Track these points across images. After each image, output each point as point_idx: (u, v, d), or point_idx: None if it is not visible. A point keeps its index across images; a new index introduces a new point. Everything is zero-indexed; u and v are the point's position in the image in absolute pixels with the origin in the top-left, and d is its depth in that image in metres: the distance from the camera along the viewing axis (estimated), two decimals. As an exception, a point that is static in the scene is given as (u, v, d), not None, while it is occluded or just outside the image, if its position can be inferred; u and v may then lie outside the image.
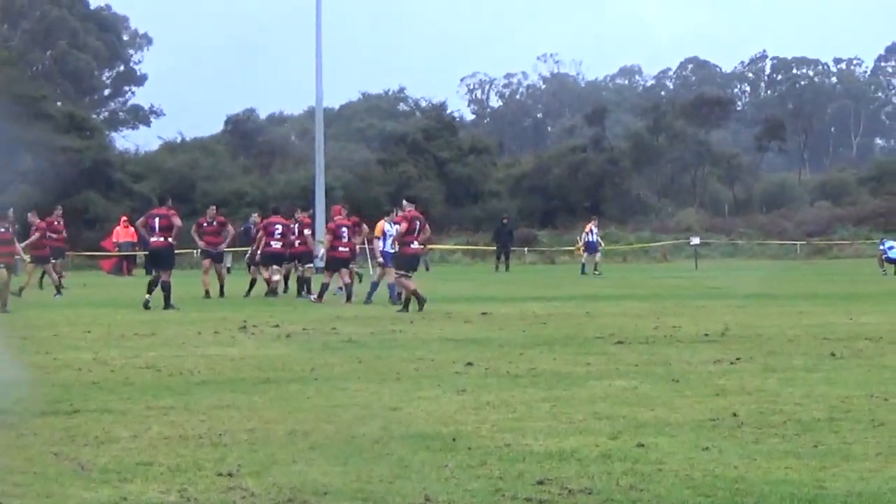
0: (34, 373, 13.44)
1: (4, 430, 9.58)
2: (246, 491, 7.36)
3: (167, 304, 24.74)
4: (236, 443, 8.96)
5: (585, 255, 46.54)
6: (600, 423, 9.72)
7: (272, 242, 29.66)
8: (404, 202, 25.94)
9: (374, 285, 27.12)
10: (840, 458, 8.23)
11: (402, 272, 24.55)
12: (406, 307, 23.74)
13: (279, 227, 29.60)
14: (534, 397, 11.22)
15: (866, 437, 9.04)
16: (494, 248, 54.45)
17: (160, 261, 25.64)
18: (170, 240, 25.70)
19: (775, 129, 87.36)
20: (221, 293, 29.18)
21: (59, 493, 7.38)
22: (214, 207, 31.58)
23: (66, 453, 8.60)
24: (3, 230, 24.62)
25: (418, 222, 24.90)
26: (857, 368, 13.34)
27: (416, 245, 24.79)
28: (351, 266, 28.17)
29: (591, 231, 46.54)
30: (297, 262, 29.72)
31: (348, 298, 26.71)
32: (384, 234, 27.37)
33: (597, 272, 44.52)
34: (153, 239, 25.71)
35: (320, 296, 27.05)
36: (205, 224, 30.31)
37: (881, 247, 42.91)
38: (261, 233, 30.38)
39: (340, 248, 27.50)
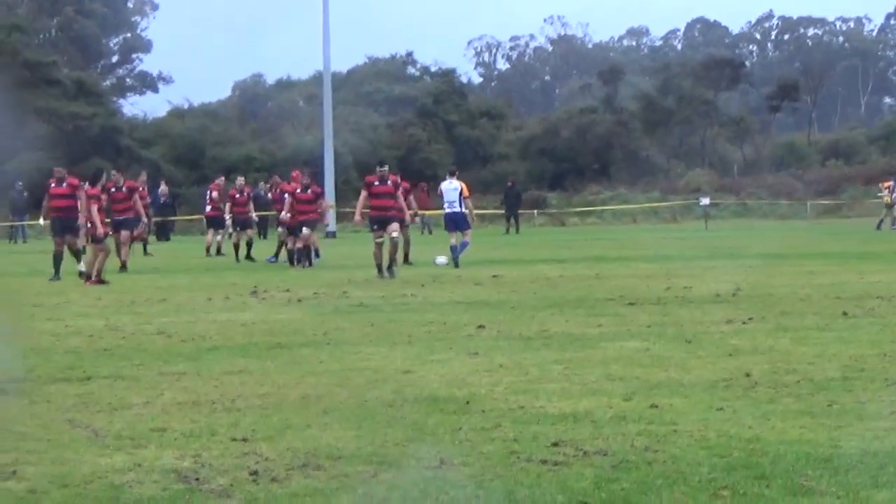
0: (46, 340, 13.46)
1: (18, 398, 9.59)
2: (260, 456, 7.35)
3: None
4: (249, 408, 8.96)
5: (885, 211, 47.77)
6: (613, 385, 9.71)
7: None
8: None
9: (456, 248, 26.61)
10: (854, 418, 8.20)
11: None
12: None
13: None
14: (546, 359, 11.20)
15: (880, 395, 9.02)
16: (503, 211, 54.58)
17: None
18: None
19: (789, 90, 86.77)
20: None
21: (74, 459, 7.37)
22: (116, 172, 30.05)
23: (79, 420, 8.61)
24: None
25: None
26: (869, 327, 13.31)
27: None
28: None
29: (890, 188, 47.47)
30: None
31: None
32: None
33: (894, 227, 45.66)
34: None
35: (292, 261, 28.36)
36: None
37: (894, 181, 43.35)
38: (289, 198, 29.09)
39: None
